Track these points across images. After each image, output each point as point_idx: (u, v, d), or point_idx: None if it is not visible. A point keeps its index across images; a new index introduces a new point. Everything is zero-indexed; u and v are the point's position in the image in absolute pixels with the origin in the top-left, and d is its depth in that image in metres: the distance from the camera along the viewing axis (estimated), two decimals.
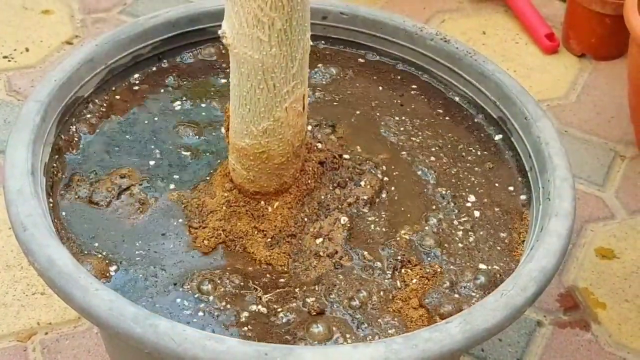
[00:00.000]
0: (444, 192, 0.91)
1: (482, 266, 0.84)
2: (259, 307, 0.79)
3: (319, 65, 1.05)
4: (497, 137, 0.97)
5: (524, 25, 1.67)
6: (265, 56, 0.76)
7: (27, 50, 1.52)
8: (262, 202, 0.86)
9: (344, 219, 0.86)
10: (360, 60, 1.06)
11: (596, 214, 1.33)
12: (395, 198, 0.90)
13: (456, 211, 0.89)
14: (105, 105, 0.96)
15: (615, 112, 1.51)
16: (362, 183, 0.90)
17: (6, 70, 1.48)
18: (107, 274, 0.80)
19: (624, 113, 1.48)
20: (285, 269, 0.83)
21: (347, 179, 0.90)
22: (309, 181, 0.88)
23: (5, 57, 1.50)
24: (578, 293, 1.22)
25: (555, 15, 1.69)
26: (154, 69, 1.01)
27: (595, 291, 1.22)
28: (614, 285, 1.23)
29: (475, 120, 1.00)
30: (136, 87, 0.99)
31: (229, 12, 0.76)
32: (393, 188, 0.91)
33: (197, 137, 0.94)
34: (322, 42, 1.07)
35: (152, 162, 0.91)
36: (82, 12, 1.62)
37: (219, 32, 0.78)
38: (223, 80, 1.01)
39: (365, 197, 0.89)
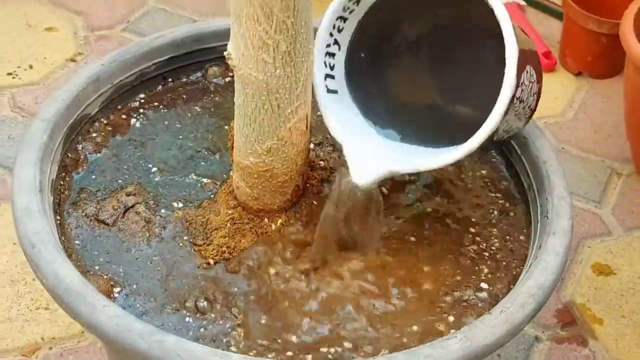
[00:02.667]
0: (442, 210, 0.92)
1: (483, 285, 0.85)
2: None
3: None
4: (497, 157, 0.99)
5: None
6: (270, 77, 0.78)
7: (31, 67, 1.54)
8: (266, 220, 0.88)
9: None
10: None
11: (593, 231, 1.35)
12: (394, 216, 0.92)
13: (455, 231, 0.91)
14: (111, 123, 0.98)
15: (612, 129, 1.53)
16: None
17: (10, 87, 1.49)
18: (112, 295, 0.81)
19: (621, 131, 1.50)
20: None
21: None
22: (312, 199, 0.89)
23: (9, 74, 1.52)
24: (575, 309, 1.23)
25: (553, 33, 1.72)
26: (160, 88, 1.03)
27: (592, 307, 1.24)
28: (611, 301, 1.24)
29: None
30: (142, 106, 1.01)
31: (234, 35, 0.78)
32: (392, 208, 0.93)
33: (202, 155, 0.96)
34: None
35: (157, 180, 0.92)
36: (85, 30, 1.64)
37: (225, 53, 0.80)
38: (222, 100, 1.03)
39: None
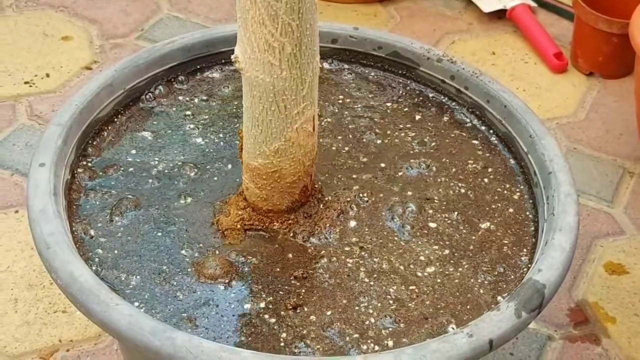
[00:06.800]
0: (455, 216, 0.93)
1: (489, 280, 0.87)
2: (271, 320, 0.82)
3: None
4: (504, 155, 1.00)
5: (532, 44, 1.70)
6: (276, 79, 0.79)
7: (47, 75, 1.57)
8: (275, 220, 0.89)
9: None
10: (371, 82, 1.09)
11: (605, 230, 1.35)
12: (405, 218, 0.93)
13: (467, 227, 0.92)
14: (123, 127, 1.00)
15: (624, 129, 1.53)
16: None
17: (27, 95, 1.52)
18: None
19: (632, 130, 1.50)
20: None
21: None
22: (320, 199, 0.91)
23: (26, 82, 1.55)
24: (588, 307, 1.24)
25: (564, 34, 1.72)
26: (170, 91, 1.05)
27: (605, 305, 1.24)
28: (624, 300, 1.25)
29: (483, 138, 1.02)
30: (152, 110, 1.02)
31: (241, 38, 0.79)
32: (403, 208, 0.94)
33: (211, 157, 0.98)
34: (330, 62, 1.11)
35: (165, 181, 0.94)
36: (100, 38, 1.66)
37: (232, 56, 0.81)
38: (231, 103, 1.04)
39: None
